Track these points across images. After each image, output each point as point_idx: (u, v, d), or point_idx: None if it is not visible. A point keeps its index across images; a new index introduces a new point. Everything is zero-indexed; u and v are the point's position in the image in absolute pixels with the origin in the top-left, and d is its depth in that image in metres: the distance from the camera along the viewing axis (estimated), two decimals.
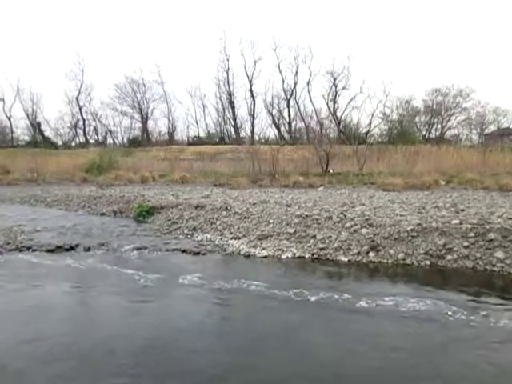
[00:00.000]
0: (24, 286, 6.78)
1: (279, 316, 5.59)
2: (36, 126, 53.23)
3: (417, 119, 46.25)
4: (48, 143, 49.82)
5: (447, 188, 14.16)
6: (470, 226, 7.88)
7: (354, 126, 46.30)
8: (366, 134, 43.94)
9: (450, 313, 5.42)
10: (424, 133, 45.89)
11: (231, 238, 9.40)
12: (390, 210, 9.72)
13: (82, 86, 52.20)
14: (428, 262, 7.51)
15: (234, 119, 51.86)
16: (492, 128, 46.38)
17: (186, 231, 10.45)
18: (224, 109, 52.01)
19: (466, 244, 7.57)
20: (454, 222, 8.18)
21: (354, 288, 6.47)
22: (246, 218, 10.26)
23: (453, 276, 7.04)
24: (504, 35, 71.73)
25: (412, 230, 8.14)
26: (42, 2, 76.14)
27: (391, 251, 7.89)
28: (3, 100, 51.86)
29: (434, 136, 45.01)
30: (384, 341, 4.78)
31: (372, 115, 45.87)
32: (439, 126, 45.96)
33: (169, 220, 11.54)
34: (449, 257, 7.48)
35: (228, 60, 50.24)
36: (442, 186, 14.77)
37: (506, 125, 46.57)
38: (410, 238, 8.02)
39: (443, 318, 5.31)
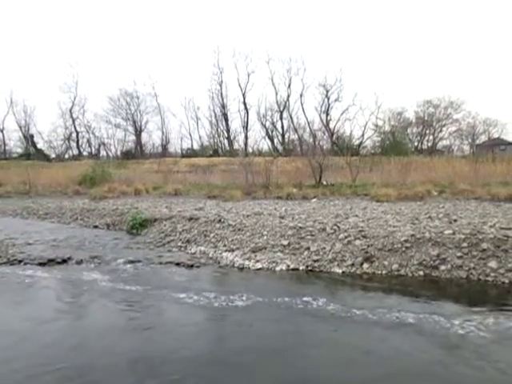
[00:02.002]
0: (14, 300, 6.69)
1: (273, 328, 5.55)
2: (29, 139, 53.10)
3: (409, 130, 46.79)
4: (41, 155, 49.68)
5: (440, 198, 14.22)
6: (463, 236, 7.91)
7: (346, 137, 46.72)
8: (359, 145, 44.33)
9: (444, 323, 5.41)
10: (416, 144, 46.40)
11: (225, 251, 9.36)
12: (383, 221, 9.74)
13: (75, 98, 52.35)
14: (422, 273, 7.52)
15: (228, 131, 52.16)
16: (483, 138, 46.97)
17: (179, 244, 10.40)
18: (217, 121, 52.35)
19: (459, 254, 7.59)
20: (447, 232, 8.21)
21: (348, 299, 6.46)
22: (239, 230, 10.23)
23: (447, 286, 7.04)
24: (494, 47, 72.91)
25: (405, 240, 8.15)
26: (35, 14, 76.40)
27: (385, 262, 7.89)
28: None
29: (426, 147, 45.52)
30: (379, 352, 4.75)
31: (364, 127, 46.39)
32: (431, 137, 46.53)
33: (162, 232, 11.48)
34: (442, 267, 7.49)
35: (221, 73, 50.74)
36: (435, 196, 14.83)
37: (496, 135, 47.18)
38: (403, 248, 8.03)
39: (438, 328, 5.30)
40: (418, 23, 75.52)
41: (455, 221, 9.36)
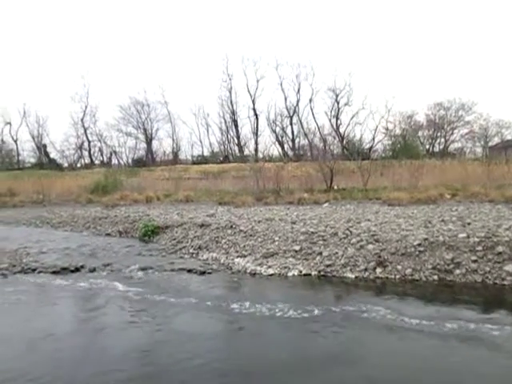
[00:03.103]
0: (28, 308, 6.76)
1: (287, 335, 5.52)
2: (42, 148, 53.75)
3: (420, 133, 46.37)
4: (54, 165, 50.26)
5: (453, 202, 14.06)
6: (477, 240, 7.80)
7: (357, 141, 46.53)
8: (370, 149, 44.10)
9: (460, 328, 5.33)
10: (427, 147, 45.96)
11: (237, 257, 9.35)
12: (395, 225, 9.65)
13: (86, 107, 52.85)
14: (436, 277, 7.42)
15: (238, 138, 52.21)
16: (496, 140, 46.33)
17: (191, 250, 10.41)
18: (227, 128, 52.44)
19: (474, 258, 7.49)
20: (461, 235, 8.11)
21: (362, 305, 6.37)
22: (251, 236, 10.22)
23: (462, 291, 6.93)
24: (505, 48, 72.23)
25: (419, 244, 8.07)
26: (47, 26, 77.65)
27: (398, 267, 7.80)
28: (10, 123, 52.64)
29: (437, 150, 45.06)
30: (395, 357, 4.70)
31: (375, 130, 46.12)
32: (442, 140, 46.07)
33: (174, 239, 11.52)
34: (457, 271, 7.39)
35: (231, 79, 50.80)
36: (448, 199, 14.67)
37: (509, 137, 46.52)
38: (417, 253, 7.94)
39: (454, 333, 5.22)
40: (427, 26, 75.21)
41: (469, 224, 9.23)
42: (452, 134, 45.42)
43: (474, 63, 71.26)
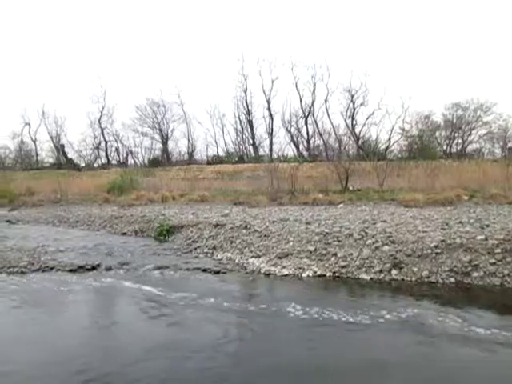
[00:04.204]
0: (46, 306, 6.86)
1: (303, 337, 5.49)
2: (60, 149, 54.53)
3: (437, 134, 45.70)
4: (71, 165, 50.94)
5: (470, 203, 13.85)
6: (496, 242, 7.67)
7: (372, 142, 46.10)
8: (386, 149, 43.63)
9: (479, 331, 5.25)
10: (445, 147, 45.32)
11: (251, 257, 9.36)
12: (412, 227, 9.54)
13: (103, 108, 53.33)
14: (453, 280, 7.31)
15: (253, 138, 52.14)
16: None
17: (206, 250, 10.46)
18: (242, 128, 52.39)
19: (492, 260, 7.36)
20: (479, 237, 7.99)
21: (377, 307, 6.32)
22: (265, 236, 10.22)
23: (480, 294, 6.83)
24: None
25: (436, 246, 7.97)
26: (66, 28, 78.82)
27: (415, 269, 7.72)
28: (29, 124, 53.55)
29: (455, 150, 44.40)
30: (414, 360, 4.64)
31: (391, 131, 45.56)
32: (460, 141, 45.34)
33: (189, 239, 11.58)
34: (475, 274, 7.28)
35: (246, 80, 50.71)
36: (465, 201, 14.46)
37: None
38: (433, 254, 7.84)
39: (472, 336, 5.14)
40: (445, 25, 74.19)
41: (487, 226, 9.08)
42: (470, 134, 44.68)
43: (494, 63, 70.05)
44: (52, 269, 9.12)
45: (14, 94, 75.55)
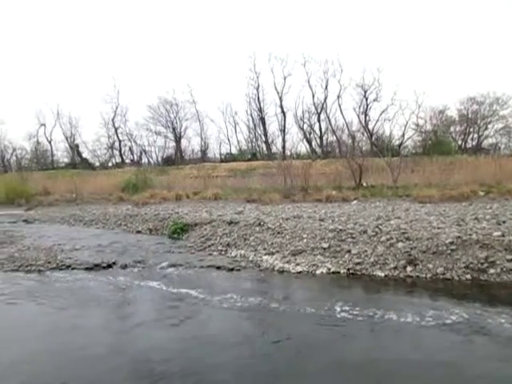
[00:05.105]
0: (65, 304, 6.96)
1: (319, 335, 5.48)
2: (75, 148, 55.27)
3: (452, 129, 45.17)
4: (86, 164, 51.66)
5: (486, 199, 13.67)
6: None
7: (386, 138, 45.74)
8: (400, 145, 43.31)
9: (496, 328, 5.19)
10: (460, 142, 44.74)
11: (265, 254, 9.37)
12: (426, 223, 9.46)
13: (117, 108, 53.87)
14: (469, 277, 7.23)
15: (265, 135, 52.13)
16: None
17: (219, 248, 10.51)
18: (255, 125, 52.48)
19: (509, 257, 7.26)
20: (495, 234, 7.89)
21: (393, 304, 6.28)
22: (279, 233, 10.22)
23: (497, 291, 6.73)
24: None
25: (451, 243, 7.88)
26: (79, 29, 79.61)
27: (430, 265, 7.65)
28: (44, 125, 54.35)
29: (470, 145, 43.81)
30: (432, 358, 4.61)
31: (405, 127, 45.16)
32: (475, 136, 44.70)
33: (203, 237, 11.64)
34: (491, 270, 7.19)
35: (258, 77, 50.74)
36: (481, 197, 14.28)
37: None
38: (449, 251, 7.77)
39: (490, 333, 5.09)
40: (458, 18, 73.11)
41: (504, 222, 8.97)
42: (486, 129, 44.01)
43: (510, 55, 68.84)
44: (68, 267, 9.26)
45: (29, 96, 76.62)
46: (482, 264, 7.32)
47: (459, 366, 4.43)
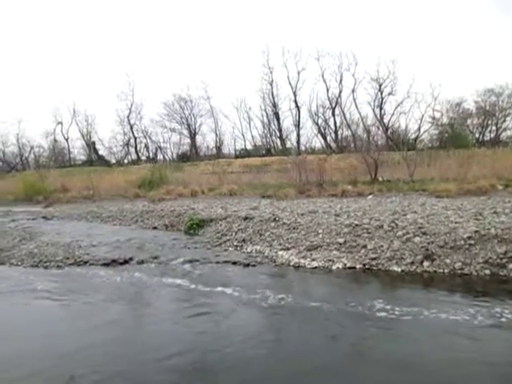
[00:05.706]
0: (83, 299, 7.09)
1: (337, 330, 5.48)
2: (91, 146, 55.92)
3: (469, 122, 44.35)
4: (102, 161, 52.25)
5: (505, 193, 13.43)
6: None
7: (402, 131, 45.10)
8: (416, 139, 42.71)
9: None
10: (477, 135, 43.97)
11: (280, 249, 9.38)
12: (444, 218, 9.35)
13: (132, 105, 54.23)
14: (488, 272, 7.14)
15: (280, 130, 51.97)
16: None
17: (235, 243, 10.54)
18: (269, 121, 52.29)
19: None
20: None
21: (410, 300, 6.25)
22: (294, 228, 10.22)
23: None
24: None
25: (469, 237, 7.79)
26: (94, 27, 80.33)
27: (447, 260, 7.57)
28: (61, 123, 55.08)
29: (488, 138, 43.01)
30: (451, 354, 4.58)
31: (421, 120, 44.51)
32: (494, 128, 43.87)
33: (218, 232, 11.70)
34: (511, 266, 7.08)
35: (271, 72, 50.50)
36: (500, 190, 14.03)
37: None
38: (467, 246, 7.67)
39: (509, 329, 5.03)
40: (473, 8, 71.63)
41: None
42: (504, 121, 43.12)
43: None
44: (86, 263, 9.42)
45: (46, 94, 77.84)
46: (501, 259, 7.22)
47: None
